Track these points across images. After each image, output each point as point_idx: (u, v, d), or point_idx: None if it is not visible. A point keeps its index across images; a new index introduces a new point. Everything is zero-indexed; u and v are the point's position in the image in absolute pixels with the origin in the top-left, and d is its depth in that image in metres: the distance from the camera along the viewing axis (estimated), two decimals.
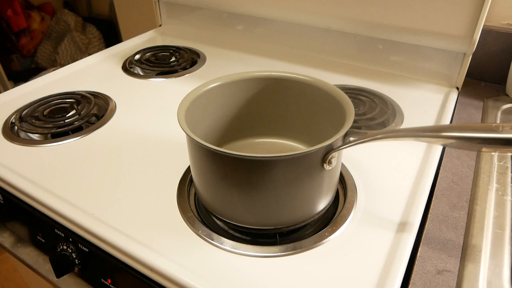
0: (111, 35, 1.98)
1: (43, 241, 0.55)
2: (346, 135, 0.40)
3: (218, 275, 0.40)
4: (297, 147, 0.55)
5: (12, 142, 0.62)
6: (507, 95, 0.74)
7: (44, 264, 0.58)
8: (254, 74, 0.51)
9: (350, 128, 0.40)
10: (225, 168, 0.39)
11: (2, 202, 0.58)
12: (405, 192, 0.50)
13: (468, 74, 0.73)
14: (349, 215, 0.46)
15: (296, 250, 0.42)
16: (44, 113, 0.68)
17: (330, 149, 0.39)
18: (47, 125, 0.65)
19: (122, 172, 0.55)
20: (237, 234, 0.46)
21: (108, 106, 0.71)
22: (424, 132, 0.38)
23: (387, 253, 0.42)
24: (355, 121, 0.60)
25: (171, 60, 0.88)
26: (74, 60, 1.03)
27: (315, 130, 0.51)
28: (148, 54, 0.91)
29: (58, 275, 0.49)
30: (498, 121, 0.67)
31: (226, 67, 0.85)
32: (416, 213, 0.46)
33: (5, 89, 1.74)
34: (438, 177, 0.53)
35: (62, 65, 1.08)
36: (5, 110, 0.70)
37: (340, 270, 0.40)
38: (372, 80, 0.77)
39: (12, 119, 0.67)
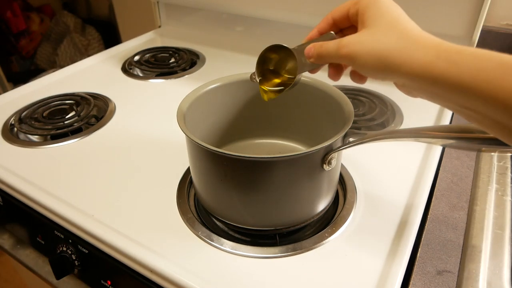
0: (110, 37, 1.98)
1: (43, 242, 0.55)
2: (345, 136, 0.40)
3: (218, 276, 0.40)
4: (297, 148, 0.55)
5: (12, 144, 0.61)
6: None
7: (43, 266, 0.58)
8: None
9: (349, 128, 0.40)
10: (224, 169, 0.39)
11: (2, 203, 0.58)
12: (405, 193, 0.50)
13: None
14: (349, 216, 0.46)
15: (296, 251, 0.42)
16: (44, 115, 0.68)
17: (329, 150, 0.39)
18: (46, 127, 0.65)
19: (122, 174, 0.55)
20: (237, 235, 0.46)
21: (108, 107, 0.71)
22: (423, 133, 0.38)
23: (387, 253, 0.42)
24: (354, 122, 0.60)
25: (170, 61, 0.88)
26: (73, 61, 1.03)
27: (314, 130, 0.51)
28: (148, 55, 0.91)
29: (58, 276, 0.49)
30: None
31: (226, 68, 0.85)
32: (416, 213, 0.46)
33: (5, 90, 1.74)
34: (438, 178, 0.53)
35: (61, 67, 1.08)
36: (4, 111, 0.70)
37: (340, 271, 0.40)
38: (372, 81, 0.77)
39: (12, 121, 0.67)
